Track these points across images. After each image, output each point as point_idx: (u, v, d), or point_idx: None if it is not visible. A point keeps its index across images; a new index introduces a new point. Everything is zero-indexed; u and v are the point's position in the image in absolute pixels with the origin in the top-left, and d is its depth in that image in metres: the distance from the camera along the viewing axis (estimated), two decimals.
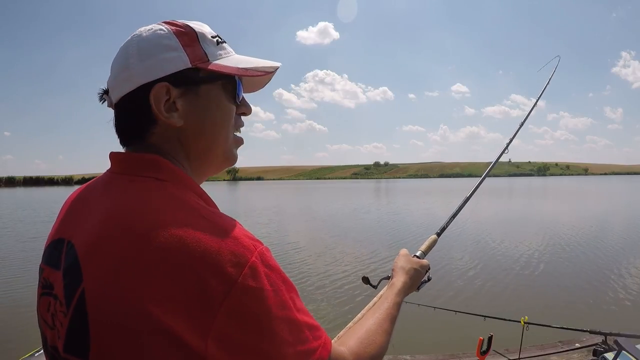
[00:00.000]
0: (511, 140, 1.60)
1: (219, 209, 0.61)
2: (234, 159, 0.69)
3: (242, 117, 0.71)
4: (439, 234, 1.17)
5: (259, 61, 0.68)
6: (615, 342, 2.49)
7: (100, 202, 0.56)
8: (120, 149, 0.63)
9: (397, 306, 0.82)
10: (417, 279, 0.94)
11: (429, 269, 1.00)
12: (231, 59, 0.65)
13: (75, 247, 0.54)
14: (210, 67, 0.61)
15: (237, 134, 0.70)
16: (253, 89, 0.75)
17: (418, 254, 1.08)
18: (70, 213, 0.61)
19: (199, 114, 0.62)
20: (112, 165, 0.62)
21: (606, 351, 2.76)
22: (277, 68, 0.68)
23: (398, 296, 0.84)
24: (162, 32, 0.61)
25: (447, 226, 1.21)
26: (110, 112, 0.65)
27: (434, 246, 1.12)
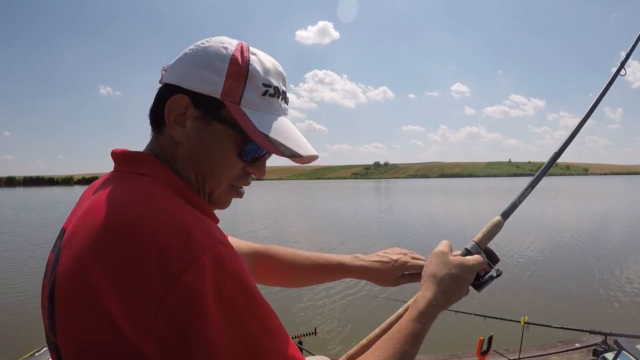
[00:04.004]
0: (626, 59, 1.16)
1: (213, 211, 0.62)
2: (221, 205, 0.66)
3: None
4: (505, 216, 0.86)
5: (291, 137, 0.61)
6: (615, 342, 2.48)
7: (90, 197, 0.59)
8: (140, 148, 0.66)
9: (415, 338, 0.64)
10: (458, 288, 0.72)
11: (490, 264, 0.78)
12: (264, 117, 0.60)
13: (64, 235, 0.57)
14: (233, 109, 0.58)
15: (240, 187, 0.66)
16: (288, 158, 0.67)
17: (469, 246, 0.80)
18: (76, 206, 0.64)
19: (199, 144, 0.60)
20: (113, 162, 0.64)
21: (606, 351, 2.75)
22: (297, 155, 0.59)
23: (418, 322, 0.65)
24: (223, 51, 0.60)
25: (519, 203, 0.90)
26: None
27: (497, 232, 0.84)
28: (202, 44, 0.61)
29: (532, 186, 0.92)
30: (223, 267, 0.47)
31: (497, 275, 0.77)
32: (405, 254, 0.93)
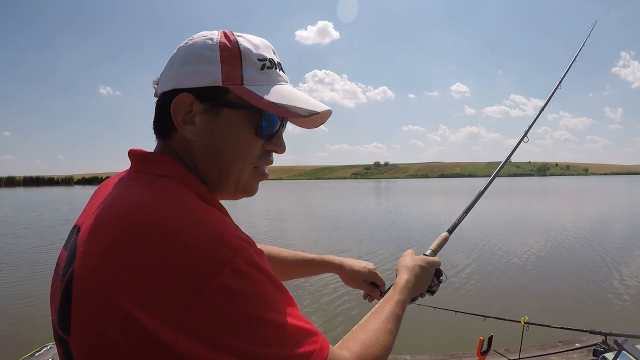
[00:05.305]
0: (531, 127, 1.49)
1: (228, 213, 0.61)
2: (249, 191, 0.66)
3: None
4: (450, 231, 1.12)
5: (302, 99, 0.62)
6: (615, 342, 2.48)
7: (108, 195, 0.59)
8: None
9: (401, 304, 0.78)
10: (424, 276, 0.90)
11: (439, 268, 0.97)
12: (271, 88, 0.61)
13: (79, 232, 0.57)
14: (238, 91, 0.59)
15: (263, 168, 0.66)
16: (303, 125, 0.70)
17: (427, 252, 1.03)
18: (89, 203, 0.64)
19: (214, 136, 0.60)
20: (130, 162, 0.64)
21: (606, 351, 2.75)
22: (314, 113, 0.62)
23: (401, 294, 0.81)
24: (210, 42, 0.60)
25: (459, 223, 1.16)
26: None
27: (445, 244, 1.08)
28: (186, 43, 0.62)
29: (466, 211, 1.19)
30: (254, 263, 0.49)
31: (446, 279, 0.99)
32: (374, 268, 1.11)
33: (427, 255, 1.01)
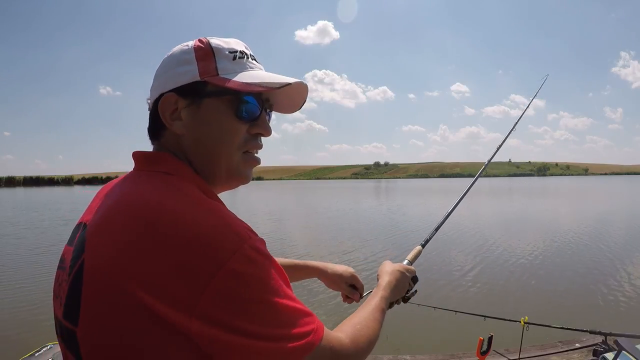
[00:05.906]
0: (494, 155, 1.69)
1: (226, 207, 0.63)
2: (243, 178, 0.69)
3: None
4: (423, 245, 1.23)
5: (274, 77, 0.66)
6: (615, 342, 2.48)
7: (115, 192, 0.62)
8: (139, 148, 0.69)
9: (385, 300, 0.86)
10: (402, 280, 0.99)
11: (415, 275, 1.06)
12: (243, 74, 0.65)
13: (86, 227, 0.59)
14: (215, 81, 0.63)
15: (255, 153, 0.70)
16: (287, 110, 0.76)
17: (404, 262, 1.12)
18: (95, 202, 0.66)
19: (199, 126, 0.64)
20: (134, 162, 0.67)
21: (606, 351, 2.75)
22: (287, 84, 0.65)
23: (384, 291, 0.89)
24: (186, 47, 0.66)
25: (430, 238, 1.27)
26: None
27: (419, 256, 1.18)
28: (167, 55, 0.68)
29: (437, 229, 1.31)
30: (260, 250, 0.54)
31: (415, 292, 1.06)
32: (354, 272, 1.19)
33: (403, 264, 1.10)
